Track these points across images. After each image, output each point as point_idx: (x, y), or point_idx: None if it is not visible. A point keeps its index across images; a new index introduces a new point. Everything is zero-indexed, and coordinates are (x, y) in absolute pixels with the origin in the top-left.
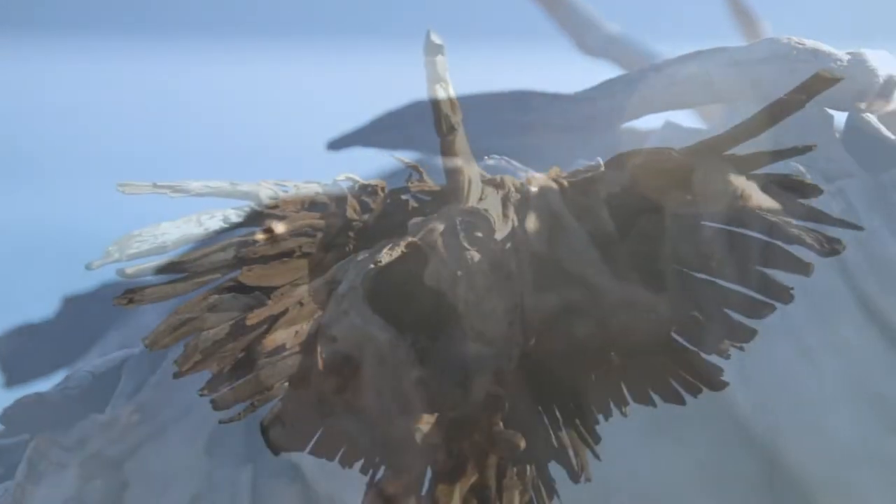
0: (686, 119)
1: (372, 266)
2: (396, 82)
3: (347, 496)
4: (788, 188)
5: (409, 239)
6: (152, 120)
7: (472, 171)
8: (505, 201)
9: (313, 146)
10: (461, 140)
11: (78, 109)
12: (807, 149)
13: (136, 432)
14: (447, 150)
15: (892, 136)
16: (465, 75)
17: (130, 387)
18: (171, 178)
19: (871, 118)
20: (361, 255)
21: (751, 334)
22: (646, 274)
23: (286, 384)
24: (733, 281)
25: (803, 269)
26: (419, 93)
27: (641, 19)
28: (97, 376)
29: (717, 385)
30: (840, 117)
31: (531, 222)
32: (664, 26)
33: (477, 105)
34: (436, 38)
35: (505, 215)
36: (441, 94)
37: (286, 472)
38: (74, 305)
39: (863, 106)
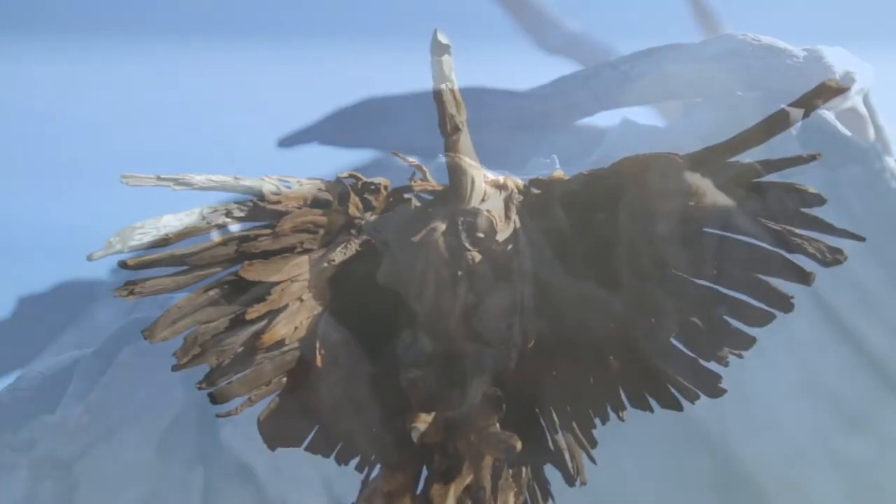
0: (644, 116)
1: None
2: (344, 79)
3: (299, 497)
4: (785, 196)
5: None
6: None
7: (475, 172)
8: (507, 202)
9: (261, 144)
10: (465, 140)
11: (67, 107)
12: (811, 157)
13: (86, 433)
14: (451, 150)
15: (848, 133)
16: (421, 71)
17: (82, 387)
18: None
19: (828, 115)
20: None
21: (750, 342)
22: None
23: (284, 380)
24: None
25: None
26: (369, 90)
27: (603, 17)
28: (48, 377)
29: (715, 392)
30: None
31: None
32: (627, 24)
33: (431, 101)
34: (442, 38)
35: (507, 216)
36: (447, 93)
37: (238, 474)
38: (30, 305)
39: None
